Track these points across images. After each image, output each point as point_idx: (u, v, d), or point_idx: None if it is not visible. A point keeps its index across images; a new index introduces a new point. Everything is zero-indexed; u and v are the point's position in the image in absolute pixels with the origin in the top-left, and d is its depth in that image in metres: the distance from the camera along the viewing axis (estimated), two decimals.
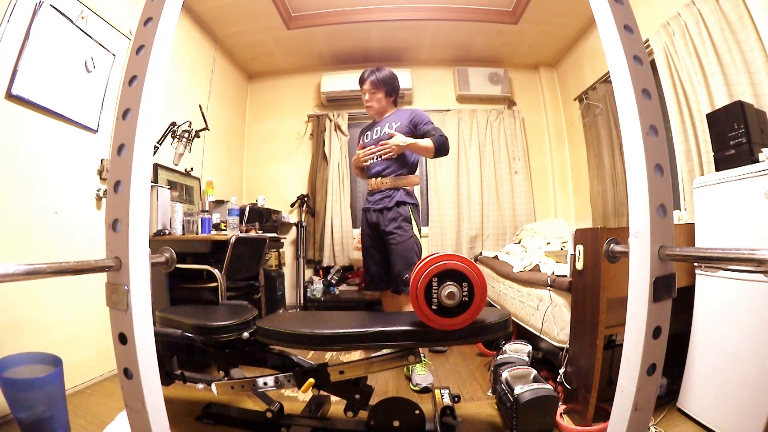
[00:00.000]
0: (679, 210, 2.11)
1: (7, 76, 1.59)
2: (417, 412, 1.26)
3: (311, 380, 1.23)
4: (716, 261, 0.54)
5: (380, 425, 1.27)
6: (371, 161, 2.11)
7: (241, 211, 2.75)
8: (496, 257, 2.76)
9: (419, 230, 2.05)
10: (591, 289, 1.38)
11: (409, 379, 1.90)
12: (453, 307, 1.06)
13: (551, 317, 1.64)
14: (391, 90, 2.16)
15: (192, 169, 2.88)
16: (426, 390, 1.77)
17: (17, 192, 1.64)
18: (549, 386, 1.39)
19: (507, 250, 2.89)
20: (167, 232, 2.12)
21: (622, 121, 0.65)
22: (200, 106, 2.84)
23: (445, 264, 1.07)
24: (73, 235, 1.89)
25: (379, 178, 2.08)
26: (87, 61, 1.96)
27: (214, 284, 2.02)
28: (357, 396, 1.26)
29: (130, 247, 0.59)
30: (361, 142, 2.23)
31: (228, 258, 2.08)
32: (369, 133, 2.21)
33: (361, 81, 2.17)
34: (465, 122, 3.79)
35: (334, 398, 1.57)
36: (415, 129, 2.07)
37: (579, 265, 1.45)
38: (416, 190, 2.22)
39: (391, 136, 2.02)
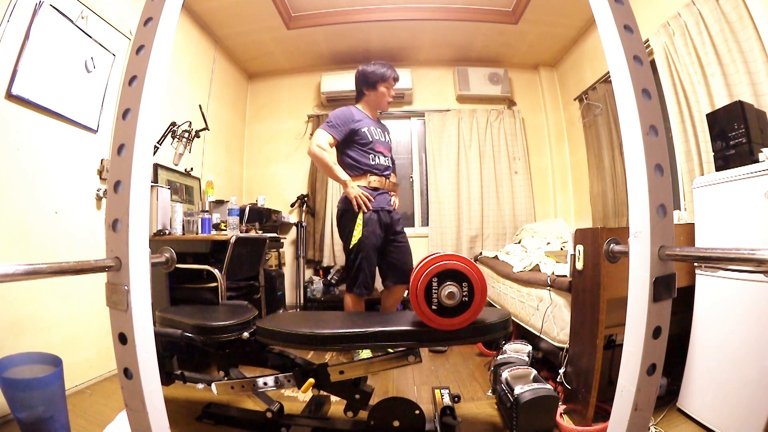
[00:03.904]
0: (679, 210, 2.11)
1: (7, 76, 1.59)
2: (417, 412, 1.26)
3: (311, 380, 1.24)
4: (716, 261, 0.54)
5: (380, 425, 1.27)
6: (377, 157, 2.13)
7: (241, 211, 2.75)
8: (496, 257, 2.76)
9: None
10: (591, 289, 1.38)
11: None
12: (453, 307, 1.06)
13: (551, 317, 1.64)
14: None
15: (192, 169, 2.88)
16: None
17: (17, 192, 1.64)
18: (549, 386, 1.39)
19: (507, 250, 2.89)
20: (167, 232, 2.11)
21: (622, 121, 0.65)
22: (200, 106, 2.84)
23: (445, 264, 1.07)
24: (73, 235, 1.89)
25: (383, 178, 2.14)
26: (87, 61, 1.96)
27: (214, 284, 2.02)
28: (357, 396, 1.26)
29: (130, 247, 0.59)
30: (369, 134, 2.11)
31: (228, 258, 2.08)
32: (372, 129, 2.14)
33: (394, 78, 2.19)
34: (465, 122, 3.79)
35: (334, 398, 1.57)
36: None
37: (579, 265, 1.45)
38: None
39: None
